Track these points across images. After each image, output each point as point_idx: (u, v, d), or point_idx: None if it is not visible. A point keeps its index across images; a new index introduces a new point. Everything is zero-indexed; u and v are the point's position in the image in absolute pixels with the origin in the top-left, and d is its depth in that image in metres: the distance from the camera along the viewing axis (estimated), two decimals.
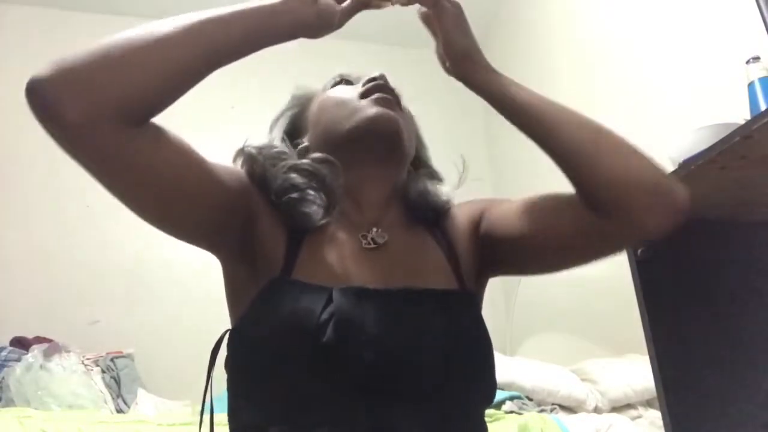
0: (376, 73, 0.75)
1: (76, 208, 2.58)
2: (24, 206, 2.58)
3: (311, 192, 0.69)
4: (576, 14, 2.43)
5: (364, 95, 0.73)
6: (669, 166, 1.10)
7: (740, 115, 1.11)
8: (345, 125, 0.72)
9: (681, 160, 1.11)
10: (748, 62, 1.18)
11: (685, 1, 1.77)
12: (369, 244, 0.71)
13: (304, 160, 0.71)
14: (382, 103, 0.72)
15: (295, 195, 0.68)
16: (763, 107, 1.12)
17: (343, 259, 0.69)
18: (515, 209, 0.72)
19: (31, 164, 2.60)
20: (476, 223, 0.77)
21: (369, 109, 0.71)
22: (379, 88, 0.73)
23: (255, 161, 0.72)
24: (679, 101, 1.75)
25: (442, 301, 0.66)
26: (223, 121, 2.66)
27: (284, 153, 0.73)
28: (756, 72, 1.16)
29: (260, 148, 0.73)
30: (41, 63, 0.52)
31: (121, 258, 2.55)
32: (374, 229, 0.72)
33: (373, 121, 0.71)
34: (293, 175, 0.70)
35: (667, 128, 1.68)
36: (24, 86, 0.53)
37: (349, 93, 0.75)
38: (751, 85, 1.16)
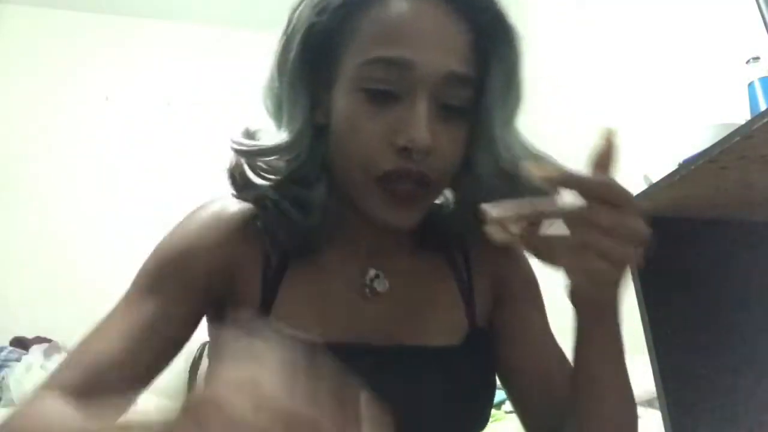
0: (418, 138, 0.53)
1: (77, 209, 2.58)
2: (24, 207, 2.58)
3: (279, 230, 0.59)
4: (575, 13, 2.43)
5: (382, 179, 0.55)
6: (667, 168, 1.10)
7: (740, 115, 1.11)
8: (352, 193, 0.58)
9: (681, 160, 1.11)
10: (748, 62, 1.18)
11: (685, 1, 1.77)
12: (366, 290, 0.62)
13: (275, 198, 0.58)
14: (399, 201, 0.56)
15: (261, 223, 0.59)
16: (763, 107, 1.12)
17: (332, 301, 0.61)
18: (528, 355, 0.65)
19: (32, 164, 2.60)
20: (495, 294, 0.68)
21: (381, 208, 0.56)
22: (407, 174, 0.54)
23: (236, 170, 0.61)
24: (679, 101, 1.75)
25: (438, 359, 0.60)
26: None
27: (269, 150, 0.59)
28: (756, 72, 1.16)
29: (245, 147, 0.60)
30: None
31: (121, 258, 2.55)
32: (373, 273, 0.62)
33: (382, 221, 0.57)
34: (268, 204, 0.59)
35: (667, 128, 1.68)
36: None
37: (372, 136, 0.54)
38: (751, 85, 1.16)
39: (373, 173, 0.55)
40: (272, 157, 0.59)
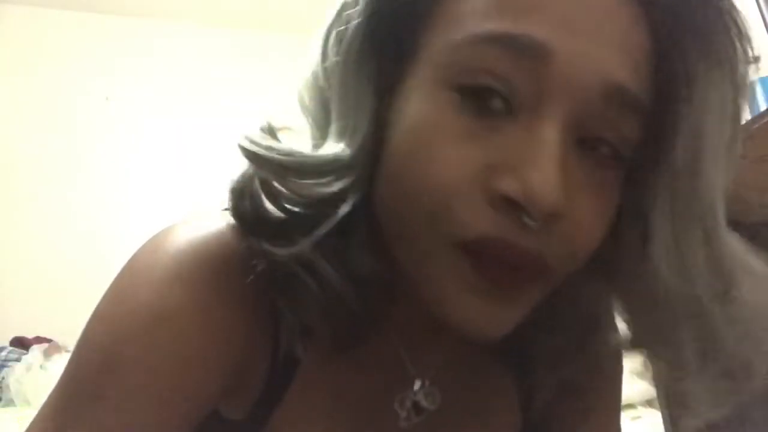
0: (538, 185, 0.29)
1: (78, 208, 2.58)
2: (25, 207, 2.58)
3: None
4: None
5: (473, 251, 0.31)
6: None
7: None
8: (405, 255, 0.35)
9: None
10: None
11: None
12: (405, 407, 0.41)
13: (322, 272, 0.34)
14: (493, 286, 0.32)
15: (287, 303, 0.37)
16: (763, 107, 1.12)
17: (353, 420, 0.42)
18: None
19: (32, 163, 2.60)
20: (560, 387, 0.49)
21: (457, 293, 0.32)
22: (504, 247, 0.31)
23: (247, 189, 0.36)
24: None
25: None
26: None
27: (318, 165, 0.34)
28: (756, 72, 1.16)
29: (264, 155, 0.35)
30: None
31: (121, 258, 2.55)
32: (419, 384, 0.41)
33: (454, 319, 0.33)
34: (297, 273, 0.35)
35: None
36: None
37: (457, 168, 0.31)
38: (751, 85, 1.16)
39: (447, 233, 0.31)
40: (322, 180, 0.34)
